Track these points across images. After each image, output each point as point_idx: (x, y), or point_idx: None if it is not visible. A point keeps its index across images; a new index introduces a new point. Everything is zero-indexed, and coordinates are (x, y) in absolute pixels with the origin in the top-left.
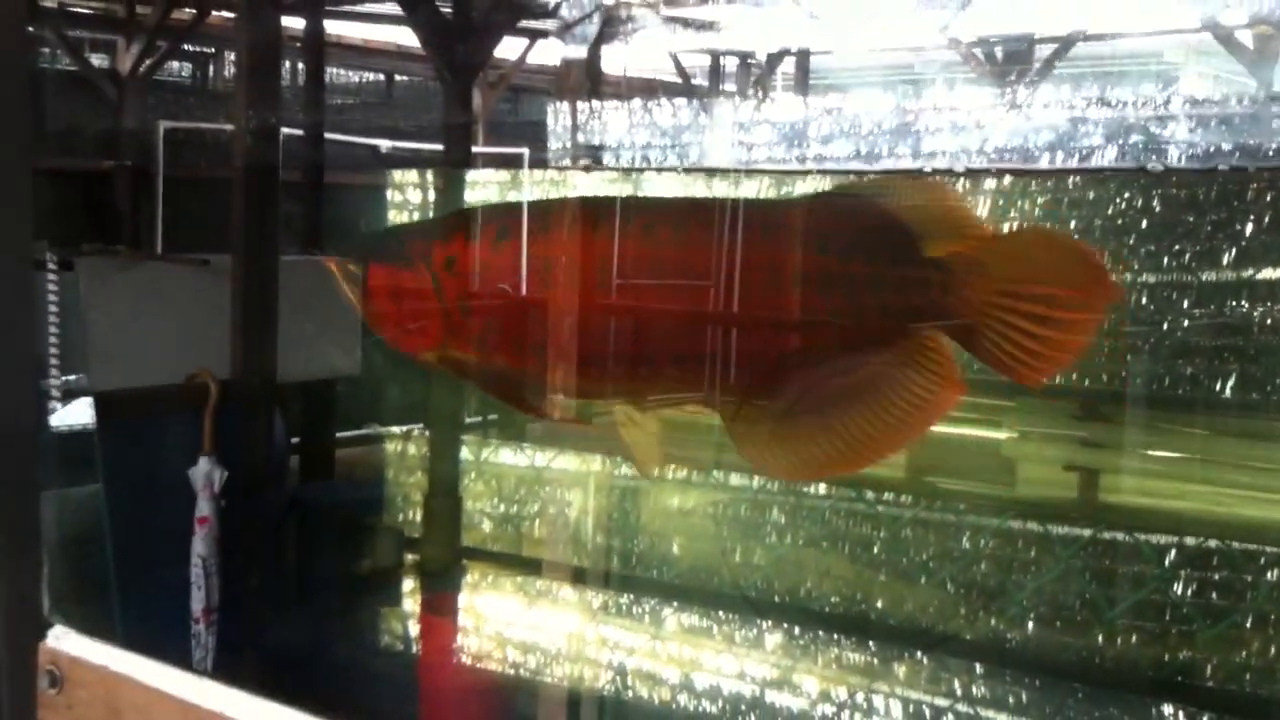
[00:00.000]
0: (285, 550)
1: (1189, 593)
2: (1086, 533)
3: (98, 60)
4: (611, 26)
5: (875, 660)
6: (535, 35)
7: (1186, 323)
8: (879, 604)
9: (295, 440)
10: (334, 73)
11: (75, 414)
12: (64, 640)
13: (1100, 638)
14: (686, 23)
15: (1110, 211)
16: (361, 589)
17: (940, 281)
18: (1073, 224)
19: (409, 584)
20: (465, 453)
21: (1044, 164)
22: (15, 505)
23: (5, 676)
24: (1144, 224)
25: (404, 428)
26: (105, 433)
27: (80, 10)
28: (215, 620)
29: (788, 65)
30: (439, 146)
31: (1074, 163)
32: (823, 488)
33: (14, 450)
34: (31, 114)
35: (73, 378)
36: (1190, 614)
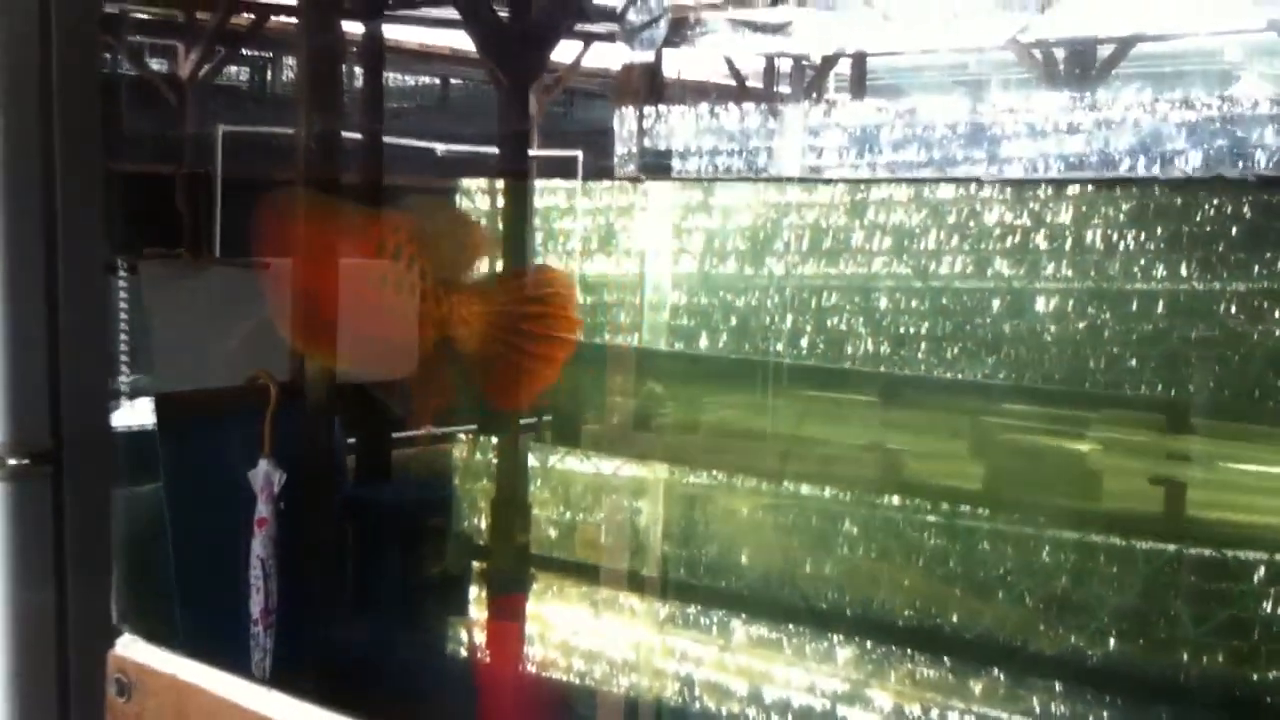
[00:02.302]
0: (343, 551)
1: None
2: (1171, 548)
3: (158, 65)
4: (677, 30)
5: (950, 676)
6: (591, 38)
7: (1279, 332)
8: (954, 618)
9: (351, 440)
10: (390, 77)
11: (139, 414)
12: (132, 648)
13: (1185, 656)
14: (755, 26)
15: (1198, 218)
16: (422, 590)
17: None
18: (1159, 230)
19: (470, 586)
20: (532, 459)
21: (1123, 170)
22: (87, 515)
23: (75, 685)
24: (1234, 231)
25: (461, 428)
26: (166, 435)
27: (141, 16)
28: (274, 622)
29: (849, 67)
30: (494, 150)
31: (1156, 169)
32: (896, 499)
33: (87, 461)
34: (101, 125)
35: (134, 379)
36: None
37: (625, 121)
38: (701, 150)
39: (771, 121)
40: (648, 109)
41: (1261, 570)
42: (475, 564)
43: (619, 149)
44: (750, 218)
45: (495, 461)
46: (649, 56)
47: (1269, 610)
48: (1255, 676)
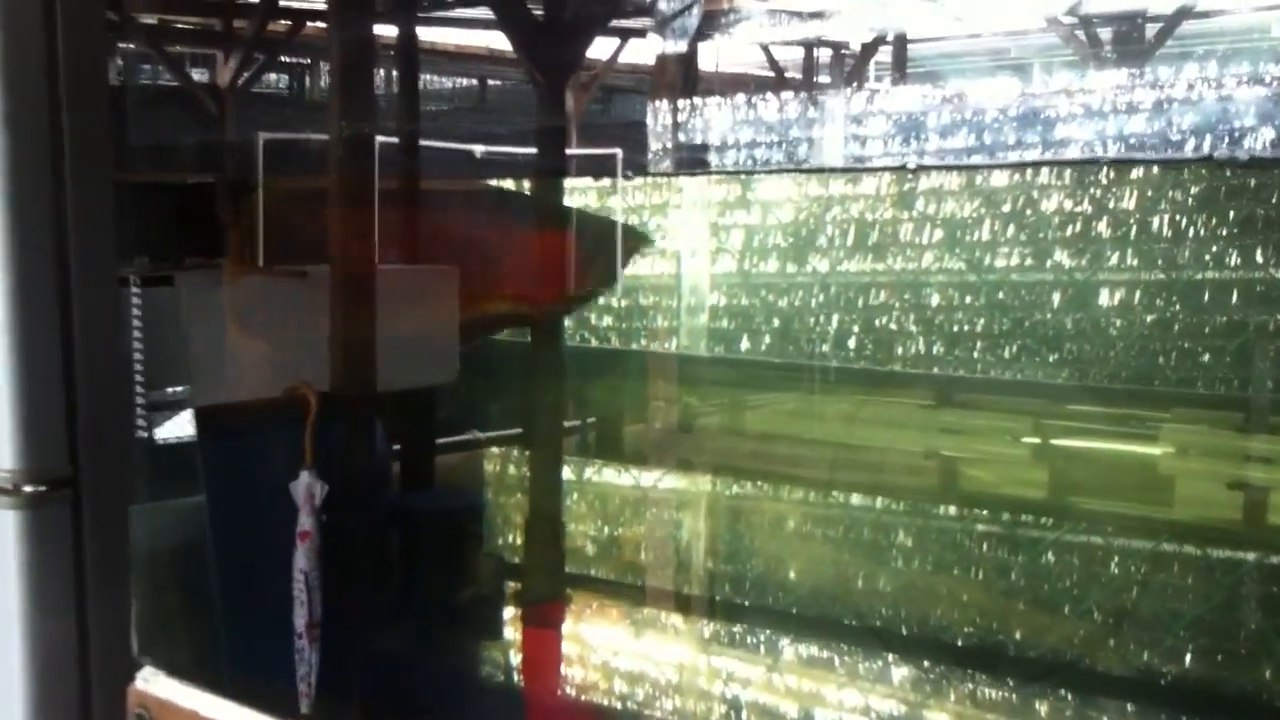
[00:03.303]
0: (389, 561)
1: None
2: (1252, 557)
3: (197, 75)
4: (711, 20)
5: (1014, 697)
6: (627, 34)
7: None
8: (1017, 635)
9: (396, 448)
10: (427, 79)
11: (182, 426)
12: (153, 683)
13: (1269, 673)
14: (791, 12)
15: (1274, 199)
16: (464, 601)
17: None
18: (1231, 214)
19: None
20: (568, 471)
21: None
22: (107, 542)
23: (97, 718)
24: None
25: (501, 433)
26: (206, 446)
27: (180, 25)
28: (319, 636)
29: (890, 54)
30: (533, 150)
31: (1224, 148)
32: (953, 509)
33: (106, 485)
34: (111, 136)
35: (177, 390)
36: None
37: (659, 116)
38: (740, 143)
39: (812, 111)
40: (682, 102)
41: None
42: (514, 577)
43: (653, 144)
44: (791, 212)
45: (531, 471)
46: (683, 48)
47: None
48: None
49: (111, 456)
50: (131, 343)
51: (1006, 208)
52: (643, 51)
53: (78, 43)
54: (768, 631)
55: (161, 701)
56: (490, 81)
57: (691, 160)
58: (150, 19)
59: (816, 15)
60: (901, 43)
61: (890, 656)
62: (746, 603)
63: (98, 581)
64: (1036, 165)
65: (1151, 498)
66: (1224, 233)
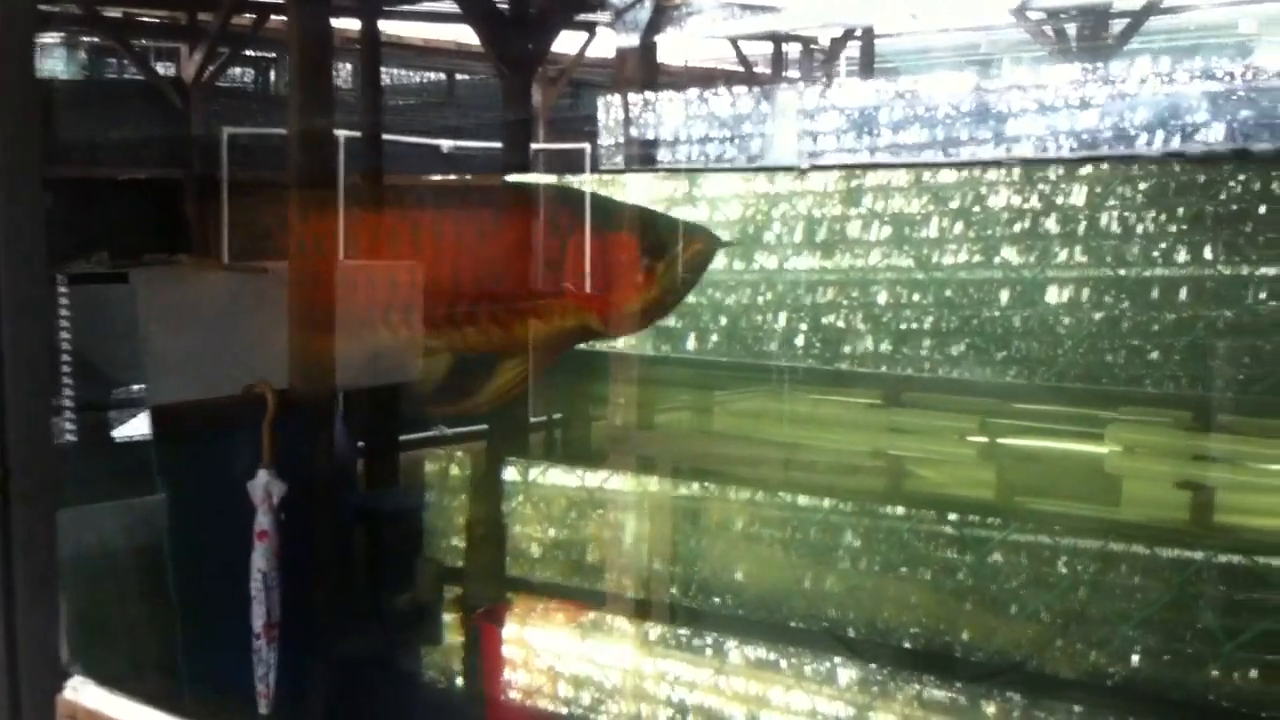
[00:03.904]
0: (351, 561)
1: None
2: (1199, 556)
3: (163, 69)
4: (664, 14)
5: (962, 699)
6: (595, 28)
7: None
8: (965, 636)
9: (361, 445)
10: (395, 73)
11: (140, 425)
12: (82, 692)
13: (1217, 673)
14: (743, 6)
15: (1223, 197)
16: (418, 606)
17: None
18: (1180, 211)
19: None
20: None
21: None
22: (36, 549)
23: None
24: (1262, 209)
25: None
26: (163, 447)
27: (145, 19)
28: (277, 636)
29: (854, 49)
30: (499, 145)
31: (1176, 144)
32: (901, 509)
33: (36, 490)
34: (38, 133)
35: (126, 390)
36: None
37: (611, 111)
38: (691, 138)
39: (765, 106)
40: (634, 98)
41: None
42: (464, 578)
43: (605, 140)
44: (739, 209)
45: (480, 471)
46: (637, 42)
47: None
48: None
49: (40, 461)
50: (61, 345)
51: (955, 204)
52: (612, 46)
53: (2, 38)
54: (714, 635)
55: (90, 711)
56: (458, 76)
57: (642, 156)
58: (114, 12)
59: (769, 10)
60: (869, 38)
61: (837, 658)
62: (693, 605)
63: (26, 589)
64: (985, 165)
65: (1099, 497)
66: (1173, 229)
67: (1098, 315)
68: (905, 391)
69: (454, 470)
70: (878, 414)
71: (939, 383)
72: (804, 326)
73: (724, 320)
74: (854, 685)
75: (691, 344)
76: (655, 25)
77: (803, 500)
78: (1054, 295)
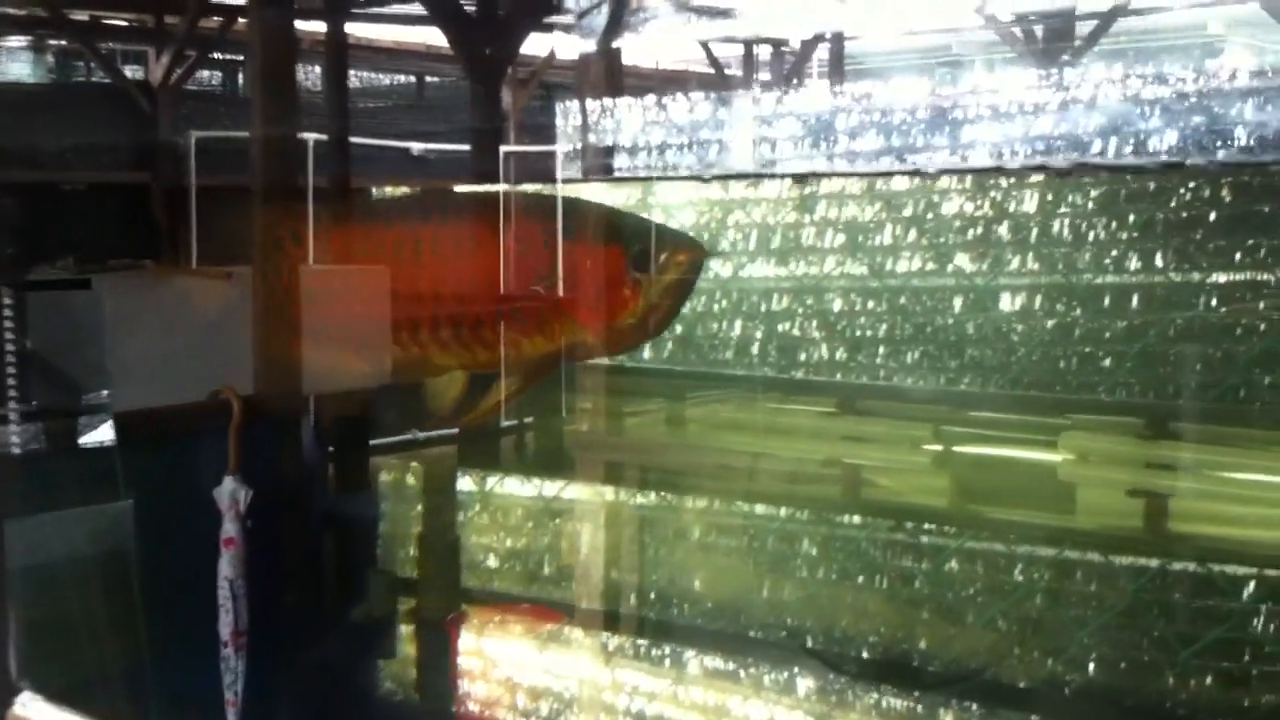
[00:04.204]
0: (321, 567)
1: (1273, 629)
2: (1154, 564)
3: (131, 72)
4: (624, 17)
5: (919, 707)
6: (567, 29)
7: (1264, 326)
8: (922, 645)
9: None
10: (364, 76)
11: (107, 432)
12: (31, 708)
13: (1172, 680)
14: (705, 10)
15: (1173, 204)
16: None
17: None
18: (1131, 218)
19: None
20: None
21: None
22: None
23: None
24: (1212, 216)
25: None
26: (128, 453)
27: (112, 22)
28: (245, 644)
29: (821, 52)
30: (469, 148)
31: (1129, 151)
32: (857, 517)
33: None
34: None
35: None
36: (1275, 653)
37: (570, 116)
38: (650, 145)
39: (723, 112)
40: (592, 103)
41: (1251, 585)
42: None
43: (563, 145)
44: (694, 216)
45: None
46: (596, 45)
47: (1261, 629)
48: (1247, 702)
49: None
50: (6, 352)
51: (908, 211)
52: (575, 49)
53: None
54: (671, 645)
55: None
56: (428, 78)
57: (597, 164)
58: (81, 15)
59: (723, 14)
60: (839, 41)
61: (795, 667)
62: (651, 614)
63: None
64: (932, 174)
65: (1053, 505)
66: (1124, 237)
67: (1050, 323)
68: (860, 399)
69: (409, 480)
70: (833, 422)
71: (894, 390)
72: (758, 335)
73: (679, 328)
74: (812, 694)
75: (646, 353)
76: (616, 28)
77: (759, 509)
78: (1006, 303)
